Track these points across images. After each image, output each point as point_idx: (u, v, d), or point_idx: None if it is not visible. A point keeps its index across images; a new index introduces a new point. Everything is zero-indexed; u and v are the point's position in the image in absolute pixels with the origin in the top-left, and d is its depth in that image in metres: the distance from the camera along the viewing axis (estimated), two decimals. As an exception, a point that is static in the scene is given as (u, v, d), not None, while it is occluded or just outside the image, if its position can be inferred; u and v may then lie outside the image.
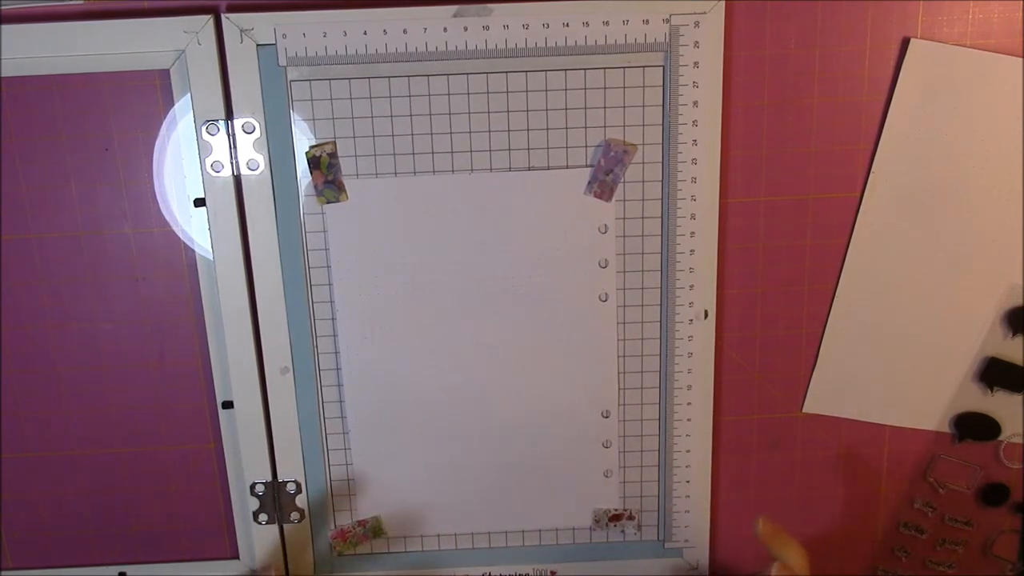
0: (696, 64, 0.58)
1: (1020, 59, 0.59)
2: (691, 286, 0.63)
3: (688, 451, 0.66)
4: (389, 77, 0.58)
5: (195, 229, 0.62)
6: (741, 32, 0.59)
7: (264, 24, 0.56)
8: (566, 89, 0.59)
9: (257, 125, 0.59)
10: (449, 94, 0.59)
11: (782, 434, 0.68)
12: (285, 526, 0.67)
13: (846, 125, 0.61)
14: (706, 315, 0.63)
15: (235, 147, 0.59)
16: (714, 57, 0.58)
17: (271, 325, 0.62)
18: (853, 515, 0.70)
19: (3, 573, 0.69)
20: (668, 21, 0.57)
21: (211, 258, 0.61)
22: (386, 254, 0.62)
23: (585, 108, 0.59)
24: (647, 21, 0.57)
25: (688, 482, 0.67)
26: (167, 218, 0.62)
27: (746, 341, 0.65)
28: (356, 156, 0.60)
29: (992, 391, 0.65)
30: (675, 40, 0.58)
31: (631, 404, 0.65)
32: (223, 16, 0.56)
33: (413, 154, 0.60)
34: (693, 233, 0.61)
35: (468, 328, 0.63)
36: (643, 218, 0.62)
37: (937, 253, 0.63)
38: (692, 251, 0.62)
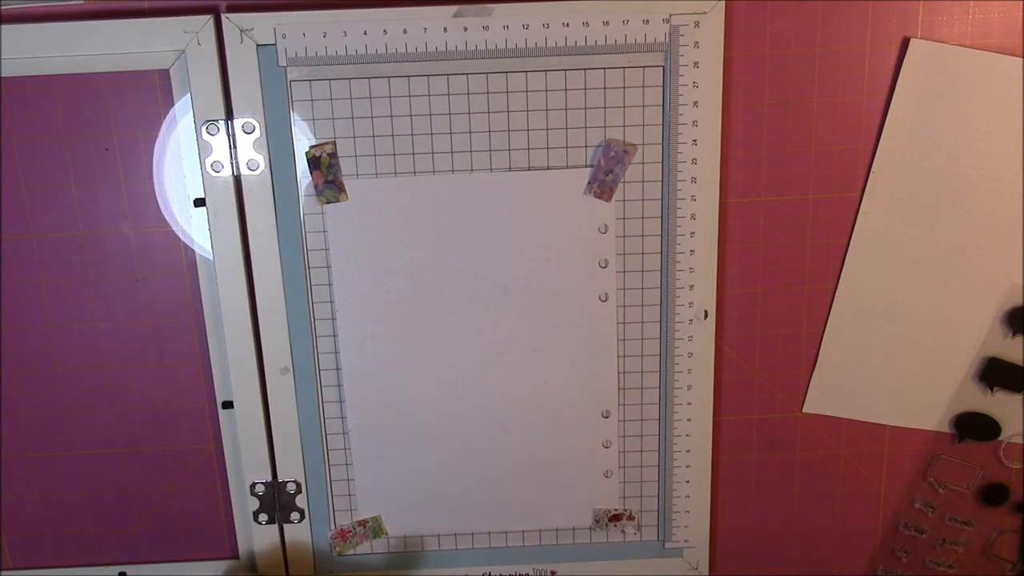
0: (696, 64, 0.58)
1: (1020, 59, 0.59)
2: (691, 286, 0.63)
3: (688, 451, 0.66)
4: (389, 77, 0.58)
5: (195, 229, 0.62)
6: (741, 32, 0.59)
7: (264, 24, 0.56)
8: (566, 89, 0.59)
9: (257, 125, 0.59)
10: (449, 94, 0.59)
11: (782, 434, 0.68)
12: (285, 526, 0.67)
13: (846, 125, 0.61)
14: (706, 315, 0.63)
15: (235, 147, 0.59)
16: (714, 57, 0.58)
17: (271, 325, 0.62)
18: (853, 515, 0.70)
19: (3, 573, 0.69)
20: (668, 21, 0.57)
21: (211, 258, 0.61)
22: (386, 254, 0.62)
23: (585, 108, 0.59)
24: (647, 21, 0.57)
25: (688, 482, 0.67)
26: (167, 218, 0.62)
27: (746, 341, 0.65)
28: (356, 156, 0.60)
29: (992, 391, 0.65)
30: (675, 40, 0.58)
31: (631, 404, 0.65)
32: (223, 16, 0.56)
33: (413, 154, 0.60)
34: (693, 233, 0.61)
35: (468, 328, 0.63)
36: (643, 218, 0.62)
37: (937, 253, 0.63)
38: (692, 251, 0.62)
